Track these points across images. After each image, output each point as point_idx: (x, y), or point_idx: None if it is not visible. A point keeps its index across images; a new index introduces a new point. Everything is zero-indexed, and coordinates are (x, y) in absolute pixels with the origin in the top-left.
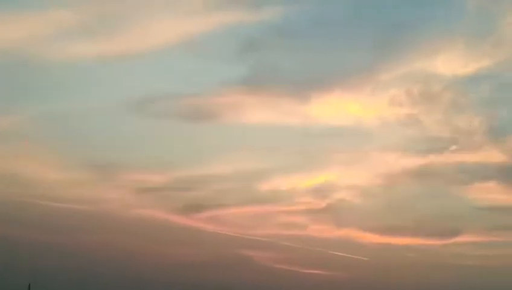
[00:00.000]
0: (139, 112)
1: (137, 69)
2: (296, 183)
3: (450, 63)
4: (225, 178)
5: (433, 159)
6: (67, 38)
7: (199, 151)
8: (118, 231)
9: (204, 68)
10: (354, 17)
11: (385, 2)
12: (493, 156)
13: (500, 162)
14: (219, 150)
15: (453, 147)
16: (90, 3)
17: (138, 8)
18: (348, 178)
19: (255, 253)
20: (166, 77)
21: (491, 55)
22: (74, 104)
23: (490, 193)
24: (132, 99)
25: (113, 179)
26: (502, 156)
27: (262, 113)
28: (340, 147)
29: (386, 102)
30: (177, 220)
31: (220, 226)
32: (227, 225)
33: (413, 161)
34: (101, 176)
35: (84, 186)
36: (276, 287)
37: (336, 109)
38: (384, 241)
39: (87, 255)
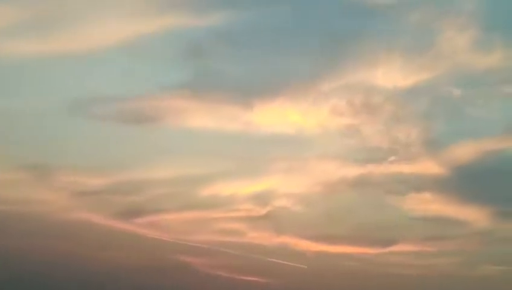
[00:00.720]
0: (79, 114)
1: (78, 70)
2: (237, 190)
3: (390, 75)
4: (165, 183)
5: (372, 169)
6: (6, 36)
7: (140, 155)
8: (53, 234)
9: (147, 71)
10: (299, 27)
11: (329, 13)
12: (429, 167)
13: (435, 173)
14: (160, 154)
15: (391, 158)
16: (31, 1)
17: (81, 8)
18: (288, 186)
19: (194, 259)
20: (108, 78)
21: (430, 69)
22: (12, 103)
23: (425, 204)
24: (73, 100)
25: (50, 180)
26: (437, 168)
27: (204, 118)
28: (281, 154)
29: (327, 111)
30: (115, 225)
31: (159, 231)
32: (167, 230)
33: (352, 170)
34: (37, 178)
35: (18, 187)
36: None
37: (277, 116)
38: (322, 249)
39: (19, 259)
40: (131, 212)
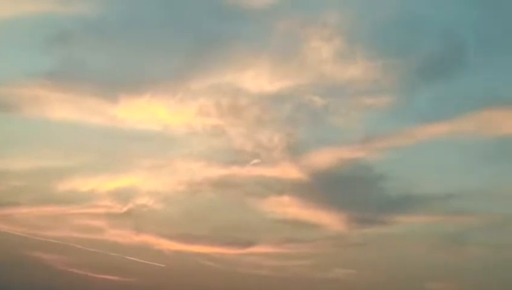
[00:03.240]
0: None
1: None
2: (97, 186)
3: (257, 79)
4: (21, 175)
5: (235, 170)
6: None
7: None
8: None
9: (8, 58)
10: (170, 25)
11: (201, 13)
12: (289, 172)
13: (295, 178)
14: (17, 144)
15: (254, 161)
16: None
17: None
18: (150, 184)
19: (48, 256)
20: None
21: (295, 77)
22: None
23: (284, 207)
24: None
25: None
26: (297, 173)
27: (66, 110)
28: (145, 151)
29: (194, 111)
30: None
31: (12, 225)
32: (20, 224)
33: (216, 171)
34: None
35: None
36: None
37: (144, 113)
38: (182, 248)
39: None
40: None
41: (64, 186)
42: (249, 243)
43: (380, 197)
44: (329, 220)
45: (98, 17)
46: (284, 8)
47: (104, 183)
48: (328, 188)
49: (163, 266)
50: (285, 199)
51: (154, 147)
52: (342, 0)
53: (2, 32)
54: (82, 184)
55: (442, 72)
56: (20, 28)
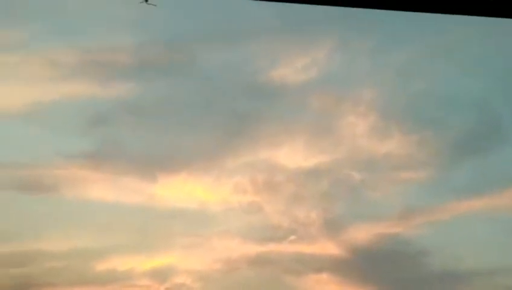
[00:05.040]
0: None
1: None
2: (135, 265)
3: (292, 156)
4: (59, 255)
5: (272, 247)
6: None
7: (33, 225)
8: None
9: (46, 139)
10: (205, 104)
11: (235, 92)
12: (327, 248)
13: (333, 254)
14: (55, 225)
15: (292, 237)
16: None
17: None
18: (188, 262)
19: None
20: (3, 144)
21: (330, 152)
22: None
23: (323, 284)
24: None
25: None
26: (335, 249)
27: (104, 189)
28: (182, 229)
29: (230, 188)
30: None
31: None
32: None
33: (253, 248)
34: None
35: None
36: None
37: (180, 191)
38: None
39: None
40: (21, 286)
41: (102, 266)
42: None
43: (421, 272)
44: None
45: (135, 99)
46: (318, 85)
47: (142, 262)
48: (368, 264)
49: None
50: (324, 276)
51: (191, 225)
52: (375, 76)
53: (42, 116)
54: (120, 264)
55: (478, 146)
56: (57, 110)
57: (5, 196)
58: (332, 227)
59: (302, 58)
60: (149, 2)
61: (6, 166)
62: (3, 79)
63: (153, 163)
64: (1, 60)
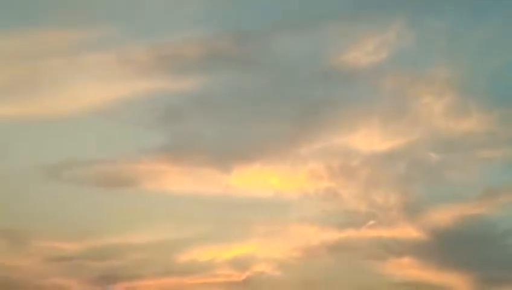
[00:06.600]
0: (54, 178)
1: (54, 134)
2: (216, 255)
3: (367, 139)
4: (142, 248)
5: (351, 233)
6: None
7: (116, 220)
8: None
9: (123, 135)
10: (276, 92)
11: (306, 79)
12: (408, 232)
13: (414, 238)
14: (137, 218)
15: (370, 222)
16: (7, 64)
17: (57, 73)
18: (266, 250)
19: None
20: (83, 142)
21: (406, 134)
22: None
23: (405, 269)
24: (48, 164)
25: (24, 246)
26: (416, 232)
27: (181, 182)
28: (259, 218)
29: (305, 175)
30: None
31: None
32: None
33: (331, 235)
34: (11, 243)
35: None
36: None
37: (256, 180)
38: None
39: None
40: (108, 278)
41: (184, 257)
42: None
43: (507, 255)
44: (454, 281)
45: (205, 91)
46: (391, 66)
47: (222, 252)
48: (450, 247)
49: None
50: (405, 260)
51: (268, 214)
52: (451, 54)
53: (115, 112)
54: (201, 254)
55: None
56: (132, 106)
57: (88, 192)
58: (411, 210)
59: (373, 39)
60: None
61: (87, 163)
62: (77, 78)
63: (228, 154)
64: (80, 60)
